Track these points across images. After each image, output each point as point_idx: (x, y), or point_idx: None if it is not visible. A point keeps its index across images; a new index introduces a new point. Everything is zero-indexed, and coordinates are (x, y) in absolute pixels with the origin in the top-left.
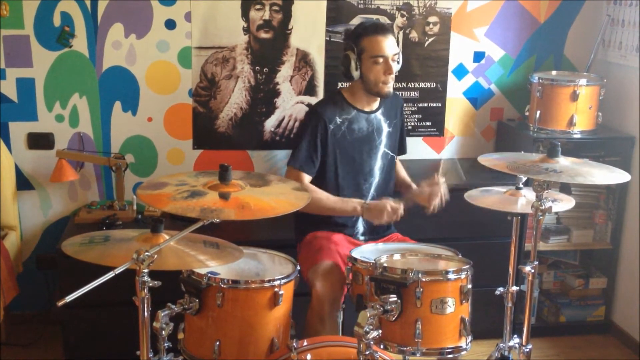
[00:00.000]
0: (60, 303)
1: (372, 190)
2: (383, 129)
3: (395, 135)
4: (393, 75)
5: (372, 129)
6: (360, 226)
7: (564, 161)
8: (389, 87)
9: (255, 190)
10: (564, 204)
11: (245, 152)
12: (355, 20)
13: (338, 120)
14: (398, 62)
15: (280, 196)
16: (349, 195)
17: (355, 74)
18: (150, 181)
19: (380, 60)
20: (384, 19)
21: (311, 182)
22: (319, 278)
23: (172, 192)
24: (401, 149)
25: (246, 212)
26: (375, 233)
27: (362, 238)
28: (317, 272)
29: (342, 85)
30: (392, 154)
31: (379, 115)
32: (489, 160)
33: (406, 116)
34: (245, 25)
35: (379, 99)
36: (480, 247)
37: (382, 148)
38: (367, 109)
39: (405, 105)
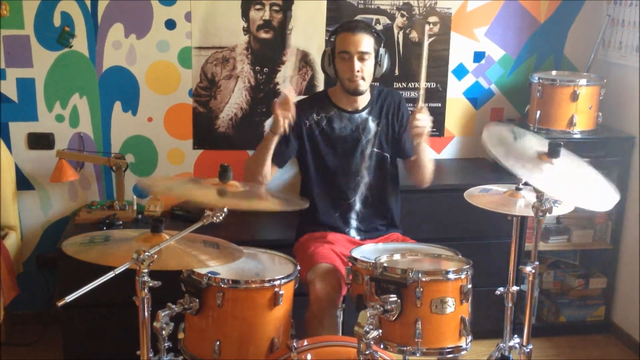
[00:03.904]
0: (60, 303)
1: (362, 190)
2: (371, 129)
3: (387, 134)
4: (360, 73)
5: (357, 128)
6: (354, 222)
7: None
8: (357, 85)
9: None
10: (564, 206)
11: (245, 152)
12: None
13: (315, 117)
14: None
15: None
16: (339, 194)
17: (329, 69)
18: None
19: (346, 56)
20: (384, 19)
21: (302, 187)
22: (317, 280)
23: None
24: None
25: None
26: (369, 231)
27: (358, 237)
28: (315, 274)
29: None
30: (385, 153)
31: (364, 114)
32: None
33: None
34: (245, 25)
35: (365, 98)
36: (480, 247)
37: (370, 148)
38: (349, 108)
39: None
